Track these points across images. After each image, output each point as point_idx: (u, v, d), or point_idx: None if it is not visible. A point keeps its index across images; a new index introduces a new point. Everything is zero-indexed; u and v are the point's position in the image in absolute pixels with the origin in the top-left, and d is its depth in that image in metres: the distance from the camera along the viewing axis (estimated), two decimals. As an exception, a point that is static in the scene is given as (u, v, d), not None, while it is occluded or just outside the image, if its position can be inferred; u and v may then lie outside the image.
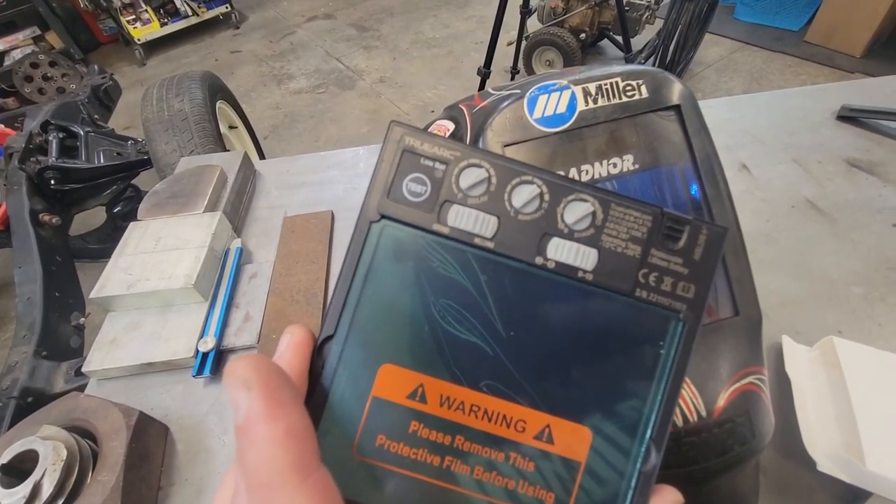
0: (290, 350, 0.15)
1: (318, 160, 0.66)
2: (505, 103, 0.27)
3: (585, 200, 0.15)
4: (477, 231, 0.15)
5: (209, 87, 1.38)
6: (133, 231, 0.50)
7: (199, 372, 0.41)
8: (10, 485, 0.31)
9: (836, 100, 0.59)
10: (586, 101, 0.26)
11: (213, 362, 0.42)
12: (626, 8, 2.20)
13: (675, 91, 0.27)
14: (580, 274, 0.15)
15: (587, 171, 0.27)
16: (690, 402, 0.24)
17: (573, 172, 0.27)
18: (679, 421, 0.23)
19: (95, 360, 0.43)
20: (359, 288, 0.15)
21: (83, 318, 1.13)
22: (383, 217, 0.15)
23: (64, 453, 0.32)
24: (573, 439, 0.15)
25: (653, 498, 0.15)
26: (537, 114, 0.26)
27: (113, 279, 0.45)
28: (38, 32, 2.91)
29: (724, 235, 0.15)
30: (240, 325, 0.45)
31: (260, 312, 0.46)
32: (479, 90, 0.50)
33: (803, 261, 0.45)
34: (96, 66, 1.85)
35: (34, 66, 2.35)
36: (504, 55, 2.34)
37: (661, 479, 0.15)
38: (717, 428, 0.23)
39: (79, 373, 0.92)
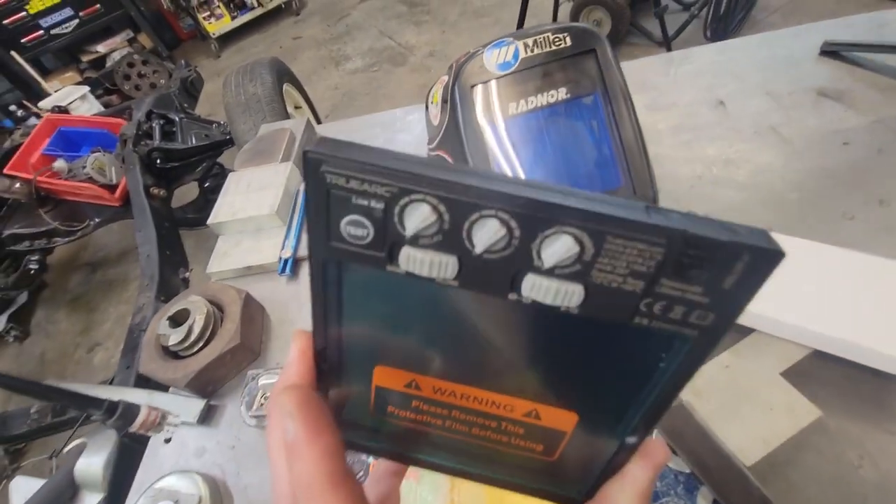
0: (297, 359, 0.17)
1: (362, 122, 0.81)
2: (472, 56, 0.40)
3: (568, 233, 0.11)
4: (435, 274, 0.13)
5: (276, 72, 1.57)
6: (231, 178, 0.68)
7: (283, 271, 0.59)
8: (175, 327, 0.50)
9: (825, 37, 0.64)
10: (526, 51, 0.38)
11: (291, 265, 0.59)
12: (677, -42, 2.12)
13: (592, 39, 0.38)
14: (563, 310, 0.13)
15: (531, 101, 0.39)
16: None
17: (521, 103, 0.39)
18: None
19: (214, 265, 0.61)
20: (334, 307, 0.15)
21: (188, 273, 1.38)
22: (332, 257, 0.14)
23: (205, 310, 0.50)
24: (560, 419, 0.16)
25: (641, 453, 0.16)
26: (492, 61, 0.39)
27: (222, 210, 0.64)
28: (132, 35, 3.31)
29: (779, 259, 0.11)
30: (308, 242, 0.62)
31: (322, 233, 0.62)
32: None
33: (753, 176, 0.53)
34: (183, 61, 2.11)
35: (130, 65, 2.72)
36: (550, 16, 2.36)
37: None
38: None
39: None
